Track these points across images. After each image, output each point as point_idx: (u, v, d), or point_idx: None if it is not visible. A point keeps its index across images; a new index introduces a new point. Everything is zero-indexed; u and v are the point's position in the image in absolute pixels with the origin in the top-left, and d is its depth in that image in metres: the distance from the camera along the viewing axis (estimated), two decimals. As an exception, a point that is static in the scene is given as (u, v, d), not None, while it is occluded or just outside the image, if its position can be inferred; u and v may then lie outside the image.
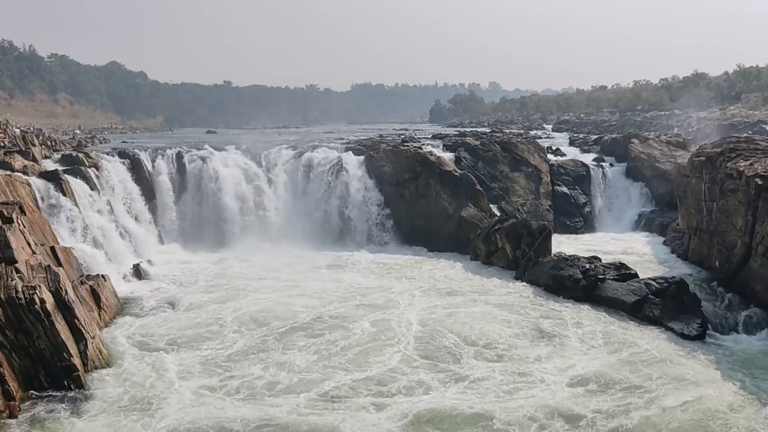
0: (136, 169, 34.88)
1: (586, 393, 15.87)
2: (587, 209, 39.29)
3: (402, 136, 53.93)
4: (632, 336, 19.81)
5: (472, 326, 20.47)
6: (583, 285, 24.00)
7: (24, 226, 20.73)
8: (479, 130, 79.09)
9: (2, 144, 33.72)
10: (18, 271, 17.48)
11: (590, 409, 14.97)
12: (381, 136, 56.66)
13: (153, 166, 35.81)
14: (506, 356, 18.33)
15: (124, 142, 55.87)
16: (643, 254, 31.13)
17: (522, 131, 75.38)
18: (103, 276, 23.01)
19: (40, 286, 16.83)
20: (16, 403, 15.04)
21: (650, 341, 19.35)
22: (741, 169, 23.53)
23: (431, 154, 37.46)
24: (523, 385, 16.34)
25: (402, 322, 21.08)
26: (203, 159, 36.53)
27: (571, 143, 52.82)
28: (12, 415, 14.68)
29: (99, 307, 21.09)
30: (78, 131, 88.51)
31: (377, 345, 19.18)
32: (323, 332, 20.35)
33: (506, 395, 15.78)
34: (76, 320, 17.39)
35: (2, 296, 15.97)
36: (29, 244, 20.15)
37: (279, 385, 16.57)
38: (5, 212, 20.32)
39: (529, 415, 14.69)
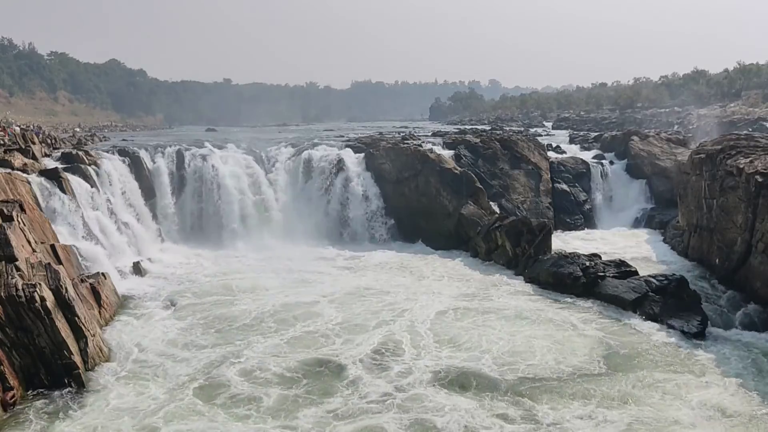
0: (135, 167, 34.83)
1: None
2: (587, 206, 39.26)
3: (402, 134, 53.98)
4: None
5: (513, 345, 18.91)
6: (583, 282, 24.01)
7: (24, 224, 20.73)
8: (479, 127, 79.15)
9: (2, 142, 33.67)
10: (18, 269, 17.48)
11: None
12: (381, 133, 56.64)
13: (153, 164, 35.76)
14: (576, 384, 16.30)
15: (123, 140, 55.67)
16: (643, 251, 31.12)
17: (522, 129, 75.54)
18: (103, 274, 23.02)
19: (40, 284, 16.82)
20: (14, 392, 15.08)
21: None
22: (741, 166, 23.52)
23: (431, 152, 37.43)
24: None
25: (421, 339, 19.37)
26: (203, 157, 36.47)
27: (571, 141, 52.80)
28: (7, 405, 14.73)
29: (99, 305, 21.08)
30: (78, 129, 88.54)
31: (404, 372, 17.07)
32: (333, 343, 19.28)
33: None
34: (76, 318, 17.39)
35: (2, 294, 15.96)
36: (29, 242, 20.16)
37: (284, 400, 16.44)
38: (5, 210, 20.31)
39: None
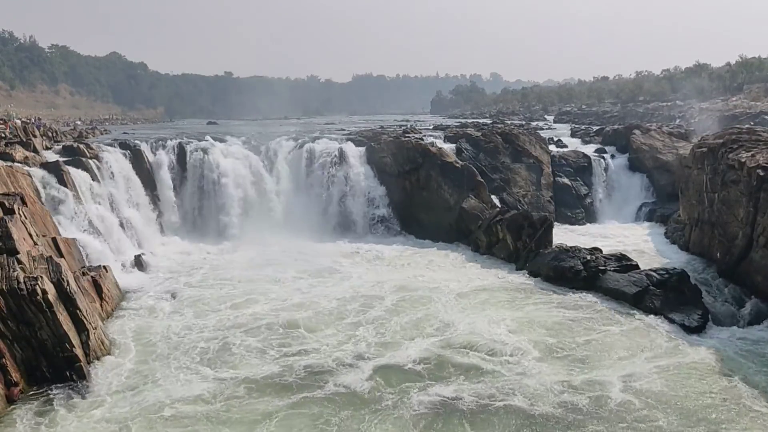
0: (137, 160, 34.82)
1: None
2: (588, 200, 39.23)
3: (403, 128, 53.88)
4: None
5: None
6: (584, 276, 24.03)
7: (25, 217, 20.73)
8: (480, 121, 79.05)
9: (3, 135, 33.69)
10: (20, 262, 17.49)
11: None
12: (382, 127, 56.57)
13: (154, 158, 35.73)
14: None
15: (125, 133, 55.74)
16: (644, 245, 31.10)
17: (523, 122, 75.34)
18: (104, 267, 23.05)
19: (41, 277, 16.84)
20: (20, 386, 15.13)
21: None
22: (743, 160, 23.49)
23: (432, 146, 37.38)
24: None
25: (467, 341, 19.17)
26: (204, 150, 36.43)
27: (573, 134, 52.74)
28: (11, 399, 14.79)
29: (101, 298, 21.13)
30: (79, 122, 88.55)
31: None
32: (353, 358, 18.44)
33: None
34: (77, 311, 17.42)
35: (4, 287, 15.98)
36: (31, 235, 20.16)
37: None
38: (6, 203, 20.31)
39: None
